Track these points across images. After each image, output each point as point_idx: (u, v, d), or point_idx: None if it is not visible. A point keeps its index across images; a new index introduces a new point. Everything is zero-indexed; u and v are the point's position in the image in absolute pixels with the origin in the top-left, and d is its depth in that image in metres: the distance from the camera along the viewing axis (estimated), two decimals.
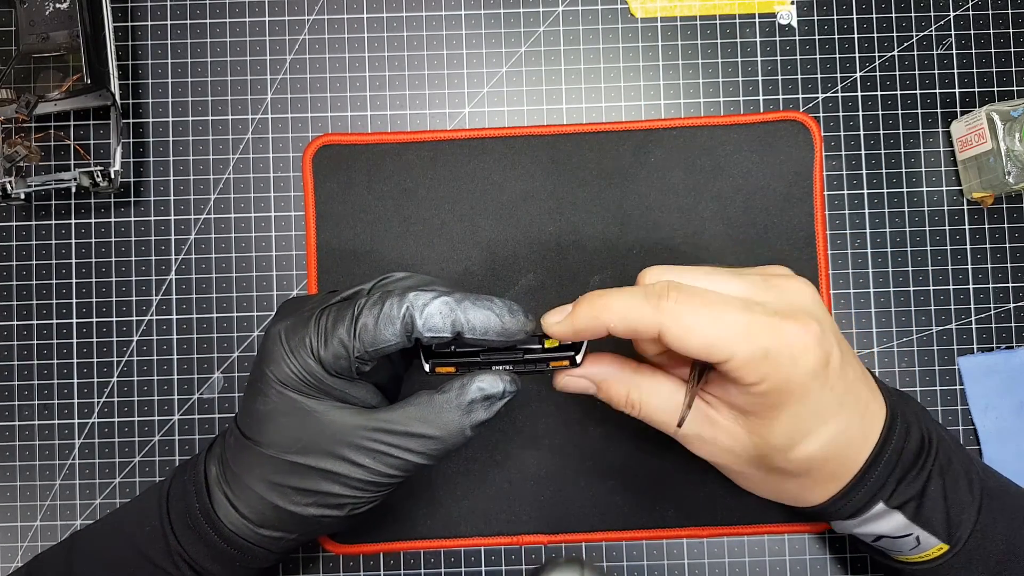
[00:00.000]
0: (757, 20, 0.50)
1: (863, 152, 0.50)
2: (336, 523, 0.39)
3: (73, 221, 0.49)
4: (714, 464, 0.40)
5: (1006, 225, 0.50)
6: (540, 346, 0.37)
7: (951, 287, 0.49)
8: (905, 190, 0.50)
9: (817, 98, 0.50)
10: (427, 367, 0.37)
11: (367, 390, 0.38)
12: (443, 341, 0.35)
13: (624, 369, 0.39)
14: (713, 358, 0.35)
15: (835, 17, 0.50)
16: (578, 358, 0.38)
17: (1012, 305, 0.49)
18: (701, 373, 0.38)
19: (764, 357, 0.34)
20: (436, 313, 0.35)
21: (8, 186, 0.46)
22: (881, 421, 0.39)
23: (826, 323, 0.37)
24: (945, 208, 0.50)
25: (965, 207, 0.50)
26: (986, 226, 0.50)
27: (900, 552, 0.41)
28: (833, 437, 0.37)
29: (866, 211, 0.50)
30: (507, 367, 0.37)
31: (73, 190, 0.49)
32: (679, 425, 0.38)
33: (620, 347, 0.40)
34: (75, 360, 0.49)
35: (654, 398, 0.38)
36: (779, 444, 0.37)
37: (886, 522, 0.39)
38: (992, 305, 0.49)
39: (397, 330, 0.35)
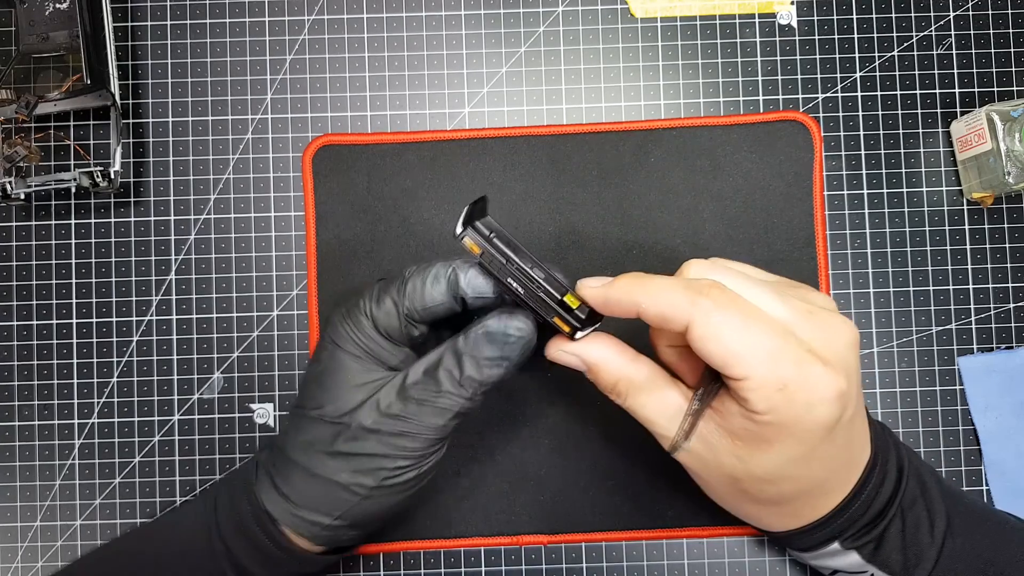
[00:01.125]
0: (757, 20, 0.50)
1: (863, 152, 0.50)
2: (369, 501, 0.38)
3: (73, 221, 0.49)
4: (680, 461, 0.39)
5: (1006, 225, 0.50)
6: (560, 297, 0.36)
7: (951, 287, 0.49)
8: (905, 190, 0.50)
9: (817, 98, 0.50)
10: (459, 229, 0.36)
11: (410, 361, 0.39)
12: (486, 302, 0.37)
13: (620, 356, 0.38)
14: (729, 371, 0.34)
15: (835, 17, 0.50)
16: (579, 334, 0.37)
17: (1012, 305, 0.49)
18: (704, 397, 0.37)
19: (780, 389, 0.33)
20: (480, 275, 0.37)
21: (8, 186, 0.46)
22: (862, 469, 0.38)
23: (853, 375, 0.35)
24: (945, 208, 0.50)
25: (965, 207, 0.50)
26: (986, 226, 0.50)
27: None
28: (814, 485, 0.37)
29: (866, 211, 0.50)
30: (520, 288, 0.36)
31: (73, 190, 0.49)
32: (670, 450, 0.37)
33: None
34: (75, 360, 0.49)
35: (642, 393, 0.37)
36: (758, 475, 0.36)
37: (841, 559, 0.39)
38: (992, 305, 0.49)
39: (443, 288, 0.36)
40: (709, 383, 0.37)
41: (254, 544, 0.38)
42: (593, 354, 0.38)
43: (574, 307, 0.36)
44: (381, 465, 0.37)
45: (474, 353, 0.36)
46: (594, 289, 0.36)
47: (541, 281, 0.36)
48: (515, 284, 0.36)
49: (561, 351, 0.38)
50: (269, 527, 0.38)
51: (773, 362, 0.33)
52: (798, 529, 0.39)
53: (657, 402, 0.37)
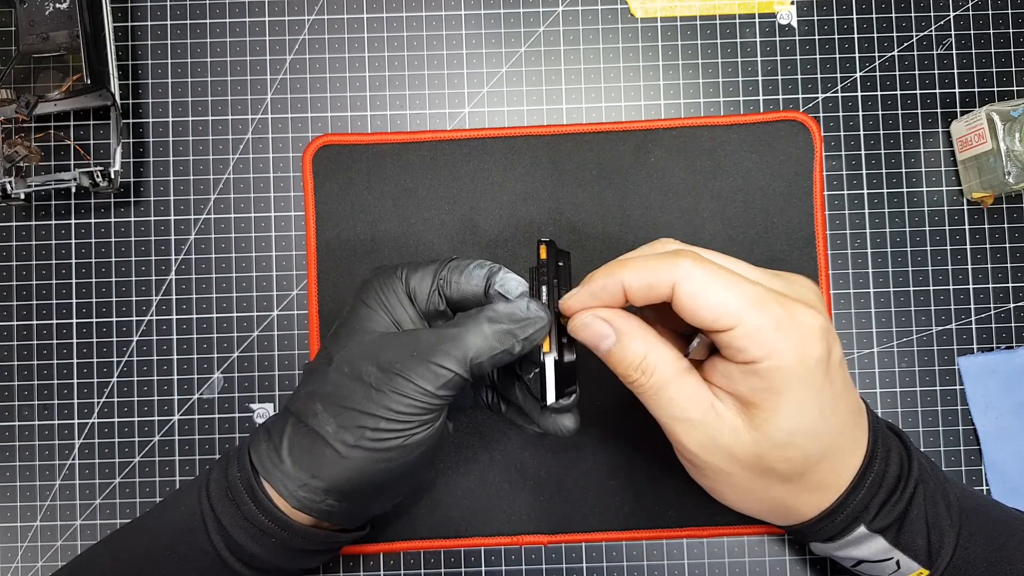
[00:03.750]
0: (757, 20, 0.50)
1: (863, 152, 0.50)
2: (348, 461, 0.37)
3: (73, 221, 0.49)
4: (701, 464, 0.38)
5: (1006, 225, 0.50)
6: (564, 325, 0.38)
7: (951, 287, 0.49)
8: (905, 190, 0.50)
9: (817, 98, 0.50)
10: (547, 238, 0.39)
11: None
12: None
13: (647, 330, 0.37)
14: (720, 323, 0.34)
15: (835, 17, 0.50)
16: (550, 385, 0.37)
17: (1012, 305, 0.49)
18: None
19: (773, 328, 0.34)
20: (514, 279, 0.38)
21: (8, 186, 0.46)
22: (866, 437, 0.39)
23: (828, 320, 0.37)
24: (945, 208, 0.50)
25: (965, 207, 0.50)
26: (986, 226, 0.50)
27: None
28: (831, 438, 0.37)
29: (866, 211, 0.50)
30: (545, 299, 0.38)
31: (73, 190, 0.49)
32: (687, 355, 0.37)
33: None
34: (75, 360, 0.49)
35: (669, 368, 0.36)
36: (779, 439, 0.36)
37: (867, 546, 0.39)
38: (992, 305, 0.49)
39: (482, 274, 0.38)
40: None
41: (238, 506, 0.38)
42: (623, 323, 0.37)
43: (565, 359, 0.37)
44: (364, 423, 0.36)
45: (488, 316, 0.36)
46: (576, 295, 0.37)
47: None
48: (544, 293, 0.38)
49: (590, 316, 0.37)
50: (254, 485, 0.38)
51: (760, 306, 0.34)
52: (827, 510, 0.39)
53: (684, 381, 0.37)
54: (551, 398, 0.36)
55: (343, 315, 0.40)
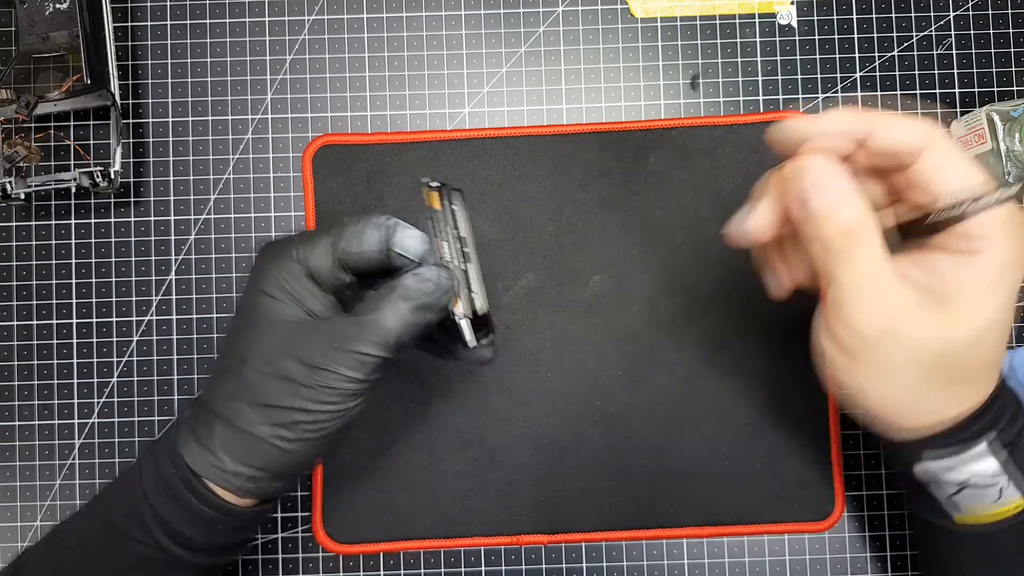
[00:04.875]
0: (757, 20, 0.50)
1: None
2: (291, 454, 0.37)
3: (73, 221, 0.49)
4: (860, 348, 0.35)
5: None
6: (472, 289, 0.38)
7: None
8: None
9: (817, 98, 0.50)
10: (434, 183, 0.38)
11: (333, 309, 0.38)
12: (405, 264, 0.37)
13: (865, 197, 0.35)
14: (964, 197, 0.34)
15: (835, 17, 0.50)
16: (468, 336, 0.37)
17: None
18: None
19: (1007, 219, 0.34)
20: (413, 237, 0.37)
21: (8, 186, 0.46)
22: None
23: None
24: None
25: None
26: None
27: (977, 504, 0.39)
28: (1003, 344, 0.36)
29: None
30: (449, 256, 0.37)
31: (73, 190, 0.49)
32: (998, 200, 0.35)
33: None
34: (75, 360, 0.49)
35: (877, 239, 0.35)
36: (970, 338, 0.35)
37: (978, 464, 0.37)
38: None
39: (379, 237, 0.37)
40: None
41: (179, 502, 0.37)
42: (846, 183, 0.35)
43: (478, 311, 0.38)
44: (298, 419, 0.36)
45: (401, 294, 0.36)
46: (804, 128, 0.35)
47: (471, 257, 0.37)
48: (446, 249, 0.37)
49: (827, 173, 0.34)
50: (193, 482, 0.37)
51: (997, 192, 0.34)
52: (981, 406, 0.37)
53: (884, 259, 0.35)
54: (471, 344, 0.38)
55: (241, 306, 0.38)
